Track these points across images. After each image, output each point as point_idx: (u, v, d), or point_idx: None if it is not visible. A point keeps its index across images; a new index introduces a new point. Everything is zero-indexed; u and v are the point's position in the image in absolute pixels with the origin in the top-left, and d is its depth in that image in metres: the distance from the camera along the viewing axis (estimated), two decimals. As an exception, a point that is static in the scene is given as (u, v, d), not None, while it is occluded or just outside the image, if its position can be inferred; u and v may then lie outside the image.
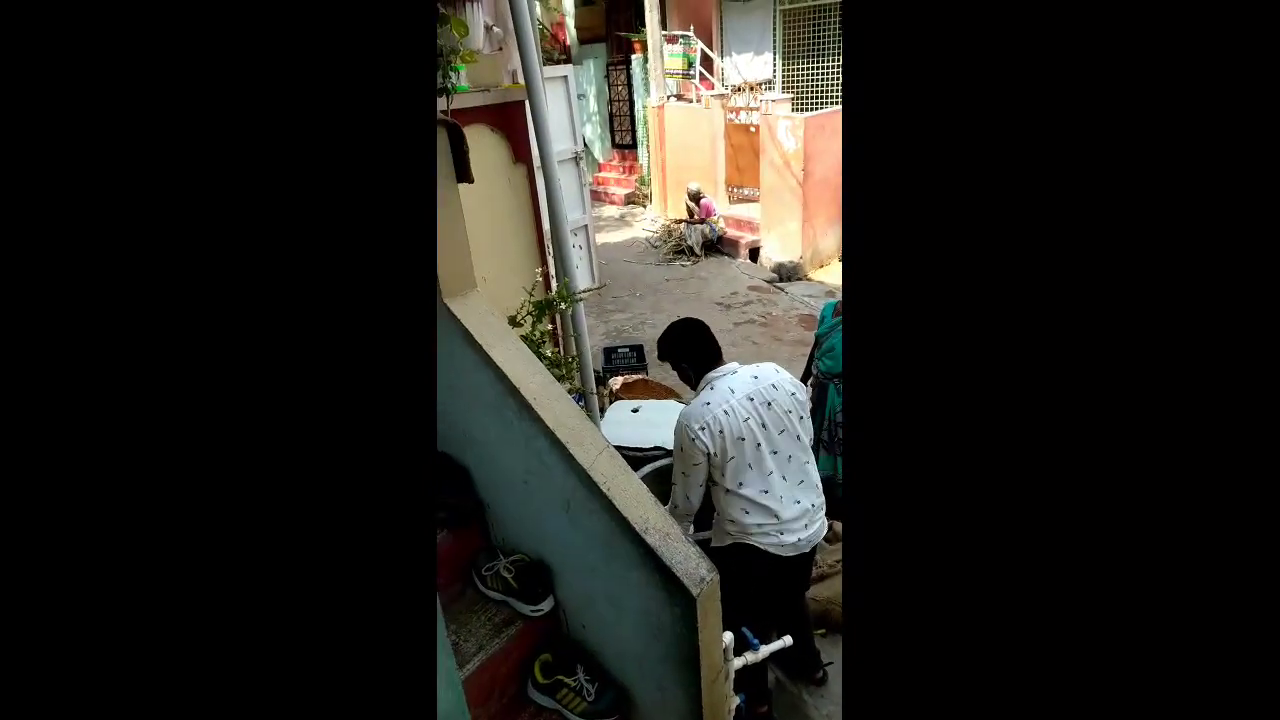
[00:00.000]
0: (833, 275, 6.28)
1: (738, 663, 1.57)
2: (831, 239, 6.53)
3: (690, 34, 8.00)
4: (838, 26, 7.27)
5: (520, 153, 2.84)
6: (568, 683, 1.52)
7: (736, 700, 1.59)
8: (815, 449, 2.79)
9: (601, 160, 10.41)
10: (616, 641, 1.53)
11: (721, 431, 1.74)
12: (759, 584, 1.91)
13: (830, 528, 1.95)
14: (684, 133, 7.83)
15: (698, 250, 7.04)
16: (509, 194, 2.85)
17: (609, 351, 3.79)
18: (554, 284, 2.66)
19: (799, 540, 1.83)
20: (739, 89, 7.64)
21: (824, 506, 1.91)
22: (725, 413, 1.76)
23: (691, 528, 1.99)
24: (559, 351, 2.71)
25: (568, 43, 9.92)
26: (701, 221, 7.04)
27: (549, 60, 8.04)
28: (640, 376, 3.50)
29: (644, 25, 8.04)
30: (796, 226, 6.27)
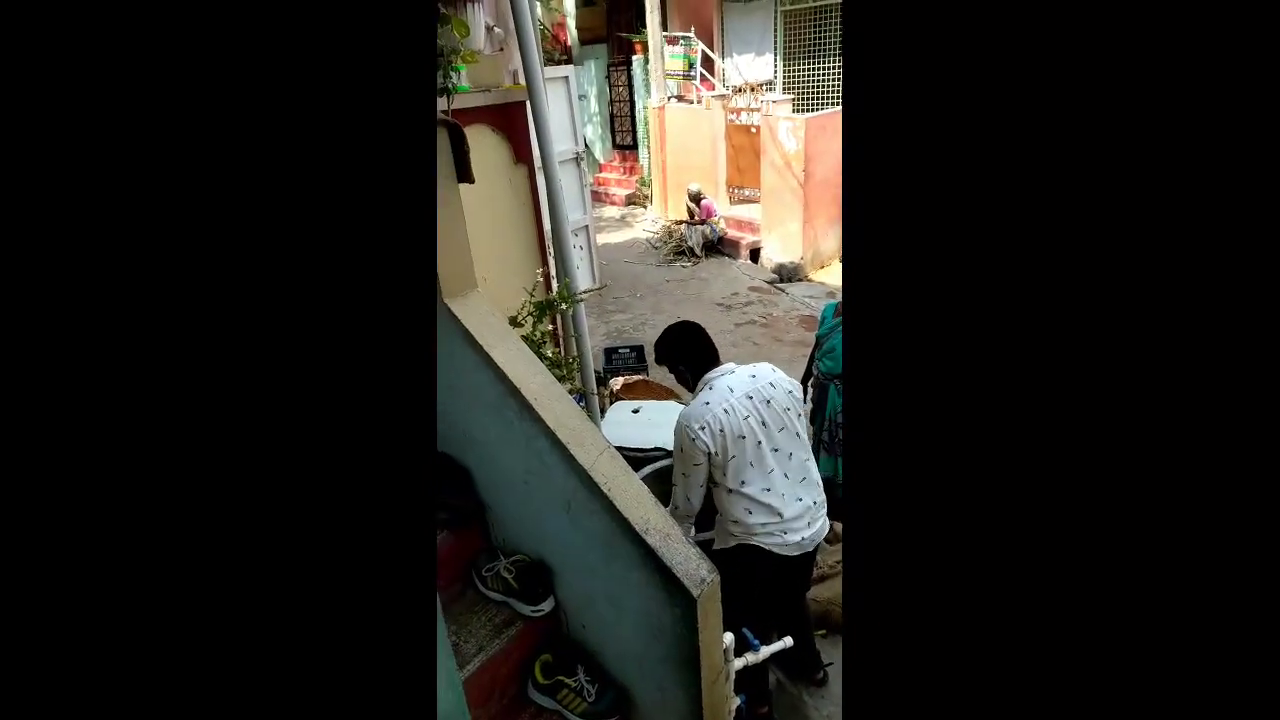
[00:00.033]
0: (833, 276, 6.28)
1: (738, 663, 1.57)
2: (832, 240, 6.52)
3: (691, 35, 8.00)
4: (839, 27, 7.27)
5: (521, 153, 2.84)
6: (568, 683, 1.52)
7: (737, 701, 1.59)
8: (816, 450, 2.80)
9: (602, 161, 10.41)
10: (617, 642, 1.53)
11: (722, 430, 1.74)
12: (763, 585, 1.91)
13: (831, 528, 1.95)
14: (685, 133, 7.83)
15: (698, 251, 7.04)
16: (510, 194, 2.85)
17: (609, 352, 3.79)
18: (555, 284, 2.66)
19: (802, 539, 1.83)
20: (740, 90, 7.64)
21: (825, 504, 1.91)
22: (725, 411, 1.76)
23: (693, 529, 1.99)
24: (559, 352, 2.71)
25: (568, 43, 9.93)
26: (702, 222, 7.04)
27: (550, 61, 8.05)
28: (641, 377, 3.50)
29: (645, 26, 8.05)
30: (797, 227, 6.27)
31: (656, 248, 7.50)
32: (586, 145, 8.01)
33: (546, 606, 1.56)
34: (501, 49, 2.70)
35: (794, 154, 6.07)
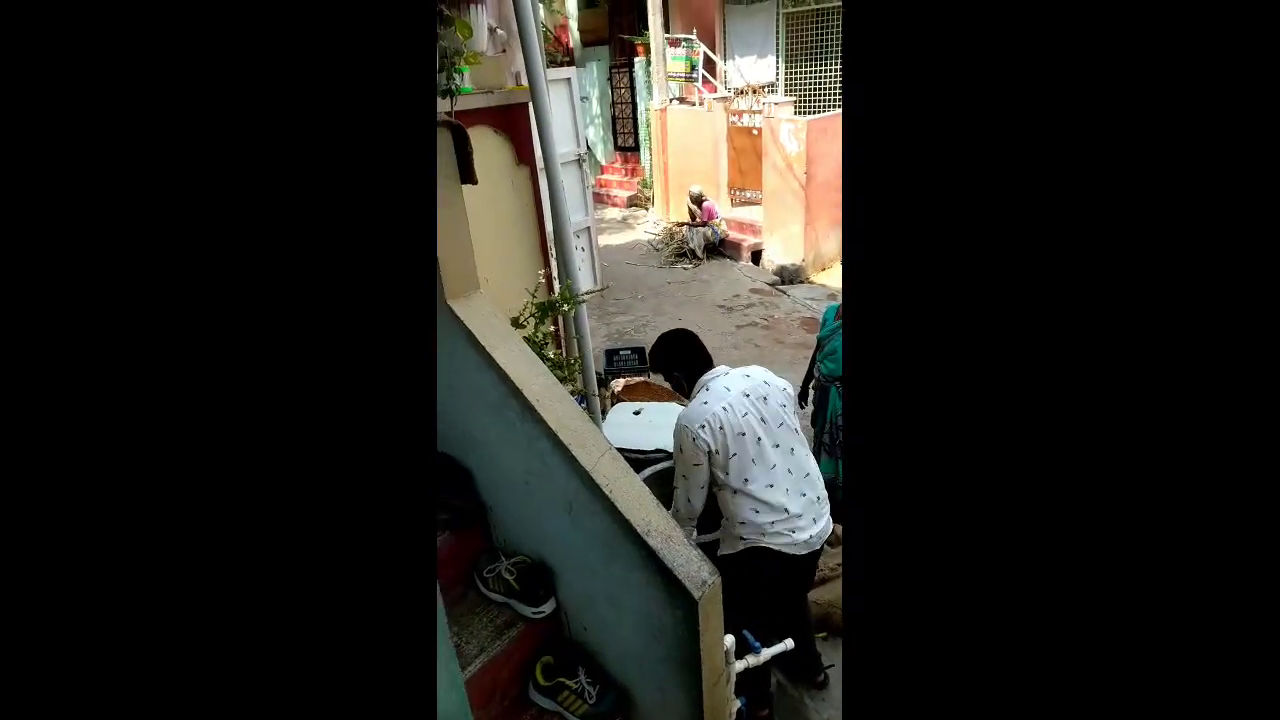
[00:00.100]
0: (835, 278, 6.28)
1: (739, 665, 1.57)
2: (834, 242, 6.52)
3: (693, 37, 8.01)
4: (840, 30, 7.26)
5: (523, 154, 2.84)
6: (569, 685, 1.52)
7: (738, 703, 1.59)
8: (817, 452, 2.80)
9: (604, 162, 10.42)
10: (618, 643, 1.53)
11: (722, 427, 1.75)
12: (770, 586, 1.91)
13: (833, 530, 1.96)
14: (686, 135, 7.84)
15: (700, 253, 7.04)
16: (512, 196, 2.86)
17: (611, 354, 3.79)
18: (556, 286, 2.66)
19: (810, 537, 1.84)
20: (742, 92, 7.66)
21: (828, 501, 1.92)
22: (724, 409, 1.77)
23: (695, 532, 1.99)
24: (561, 353, 2.71)
25: (571, 45, 9.95)
26: (704, 224, 7.04)
27: (552, 62, 8.05)
28: (642, 379, 3.49)
29: (647, 28, 8.06)
30: (799, 229, 6.27)
31: (658, 249, 7.50)
32: (588, 147, 8.02)
33: (547, 608, 1.56)
34: (504, 51, 2.70)
35: (796, 156, 6.07)
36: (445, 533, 1.59)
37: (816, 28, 7.55)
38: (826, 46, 7.52)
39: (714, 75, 8.21)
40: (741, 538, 1.84)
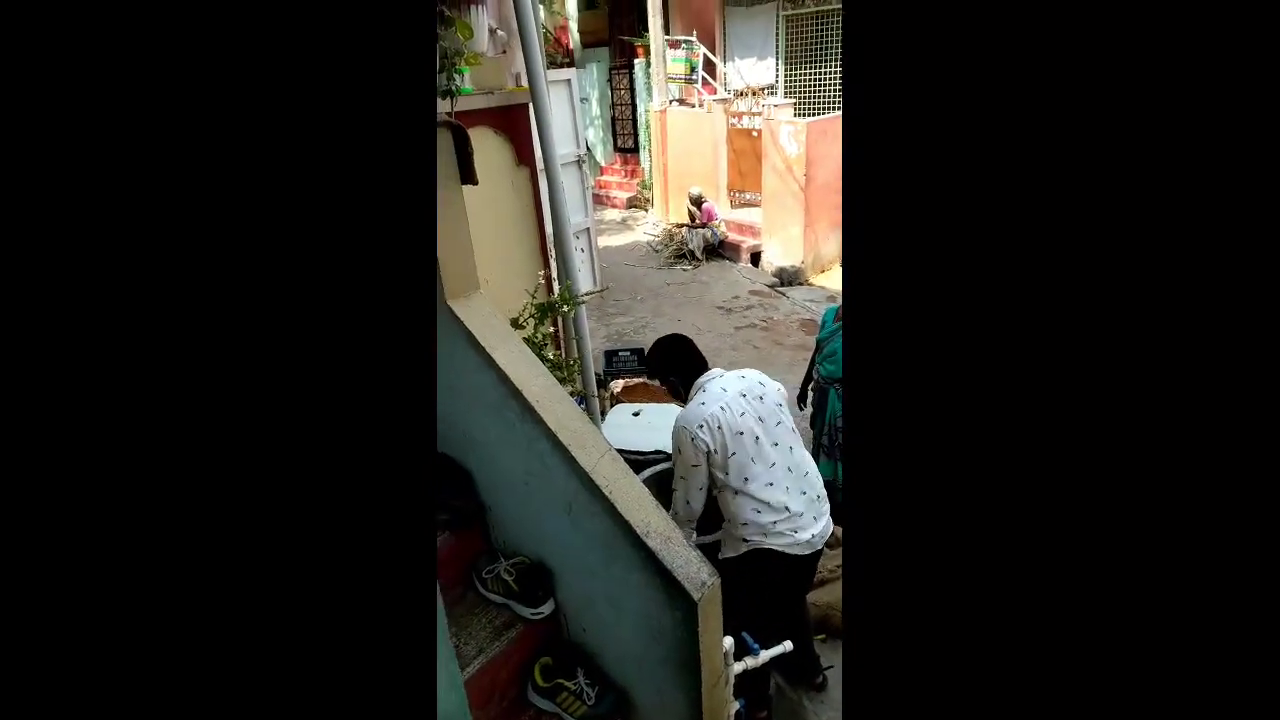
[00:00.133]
0: (834, 280, 6.28)
1: (738, 667, 1.57)
2: (833, 244, 6.53)
3: (693, 39, 8.02)
4: (840, 32, 7.28)
5: (524, 155, 2.85)
6: (568, 686, 1.52)
7: (736, 705, 1.59)
8: (815, 454, 2.81)
9: (604, 164, 10.42)
10: (617, 644, 1.53)
11: (720, 427, 1.76)
12: (772, 588, 1.91)
13: (831, 532, 1.96)
14: (686, 137, 7.84)
15: (699, 254, 7.04)
16: (512, 196, 2.86)
17: (610, 355, 3.79)
18: (556, 286, 2.66)
19: (812, 536, 1.84)
20: (741, 94, 7.66)
21: (827, 498, 1.93)
22: (722, 409, 1.78)
23: (694, 534, 1.99)
24: (560, 354, 2.71)
25: (571, 46, 9.95)
26: (703, 226, 7.05)
27: (552, 64, 8.05)
28: (641, 380, 3.49)
29: (647, 29, 8.06)
30: (798, 231, 6.28)
31: (657, 251, 7.50)
32: (588, 148, 8.03)
33: (546, 609, 1.56)
34: (504, 51, 2.70)
35: (795, 158, 6.08)
36: (444, 533, 1.59)
37: (816, 30, 7.56)
38: (826, 49, 7.53)
39: (714, 77, 8.22)
40: (744, 539, 1.83)
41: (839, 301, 3.35)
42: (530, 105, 2.32)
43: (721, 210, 7.38)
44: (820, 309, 5.27)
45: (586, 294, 2.57)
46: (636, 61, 9.04)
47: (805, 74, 7.80)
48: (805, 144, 5.95)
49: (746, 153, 7.30)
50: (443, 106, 1.88)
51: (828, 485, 2.01)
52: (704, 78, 8.11)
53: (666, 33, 8.06)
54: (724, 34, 8.47)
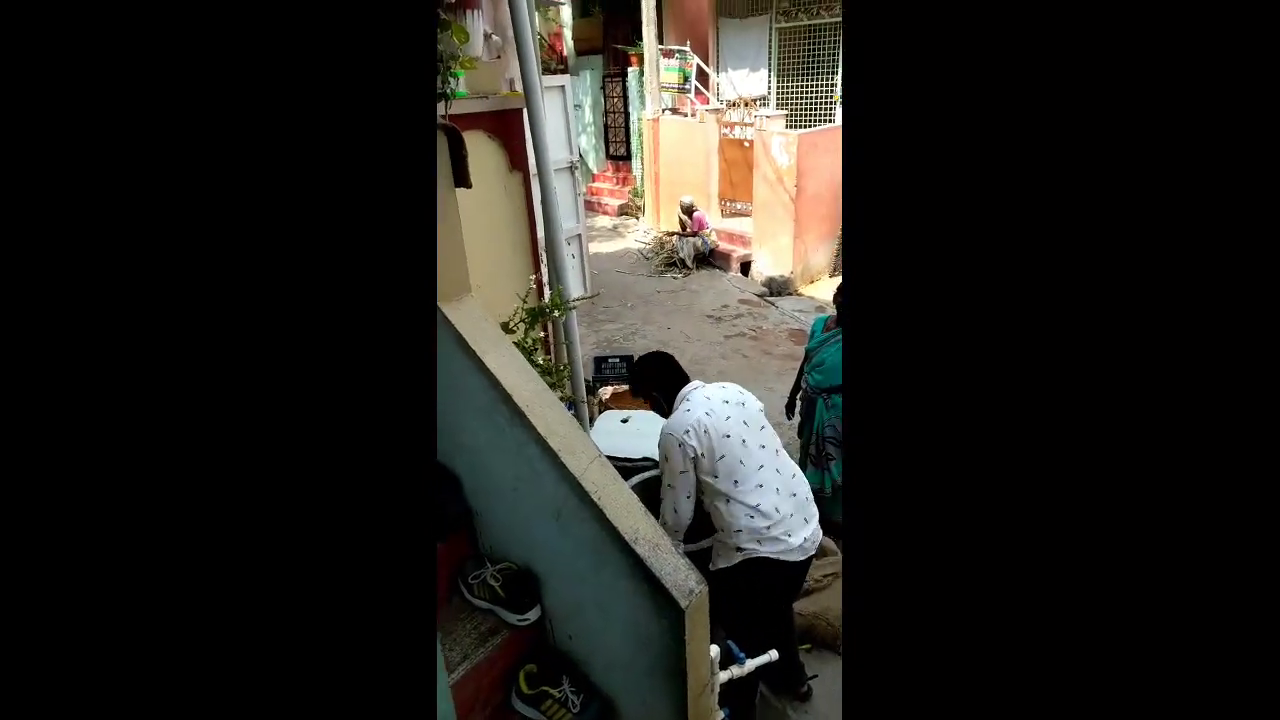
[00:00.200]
0: (823, 290, 6.32)
1: (723, 676, 1.56)
2: (822, 255, 6.57)
3: (686, 49, 8.07)
4: (832, 46, 7.37)
5: (517, 160, 2.84)
6: (553, 693, 1.50)
7: (721, 714, 1.58)
8: (803, 463, 2.81)
9: (596, 171, 10.44)
10: (603, 652, 1.52)
11: (706, 431, 1.79)
12: (764, 597, 1.92)
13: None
14: (678, 146, 7.88)
15: (689, 263, 7.06)
16: (505, 201, 2.85)
17: (599, 361, 3.78)
18: (547, 291, 2.66)
19: (804, 540, 1.86)
20: (734, 104, 7.71)
21: (813, 499, 1.95)
22: (707, 414, 1.82)
23: (681, 545, 1.98)
24: (550, 359, 2.71)
25: (565, 53, 9.98)
26: (694, 234, 7.07)
27: (546, 70, 8.07)
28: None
29: (641, 39, 8.11)
30: (788, 242, 6.32)
31: (648, 258, 7.52)
32: (580, 155, 8.04)
33: (532, 615, 1.55)
34: (499, 56, 2.70)
35: (786, 169, 6.12)
36: (430, 538, 1.58)
37: (808, 43, 7.63)
38: (818, 62, 7.60)
39: (706, 87, 8.28)
40: (738, 548, 1.83)
41: (827, 312, 3.37)
42: (524, 111, 2.32)
43: (712, 219, 7.42)
44: (809, 319, 5.29)
45: (577, 299, 2.57)
46: (630, 70, 9.08)
47: (797, 86, 7.87)
48: (797, 155, 5.99)
49: (738, 163, 7.34)
50: (438, 109, 1.88)
51: (815, 495, 2.02)
52: (697, 88, 8.17)
53: (660, 42, 8.11)
54: (717, 45, 8.53)
